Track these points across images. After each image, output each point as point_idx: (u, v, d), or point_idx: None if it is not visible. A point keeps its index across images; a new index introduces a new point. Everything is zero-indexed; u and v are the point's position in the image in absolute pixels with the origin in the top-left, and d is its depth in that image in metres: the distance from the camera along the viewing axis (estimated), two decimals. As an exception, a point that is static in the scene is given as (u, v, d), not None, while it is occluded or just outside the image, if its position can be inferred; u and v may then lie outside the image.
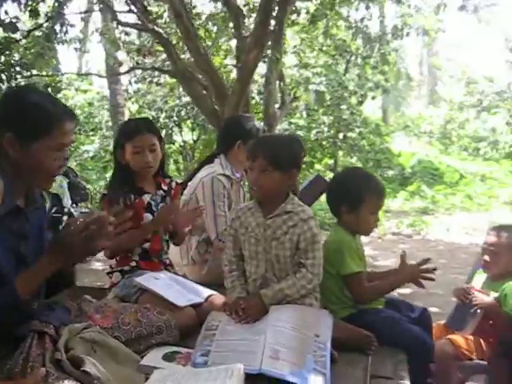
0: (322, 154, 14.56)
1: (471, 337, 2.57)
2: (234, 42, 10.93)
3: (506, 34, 16.15)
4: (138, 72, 11.25)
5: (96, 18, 12.26)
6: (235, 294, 2.08)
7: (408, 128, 15.74)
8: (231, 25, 9.47)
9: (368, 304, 2.19)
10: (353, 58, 12.60)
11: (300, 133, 13.05)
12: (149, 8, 6.98)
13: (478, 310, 2.59)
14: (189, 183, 2.89)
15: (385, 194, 2.23)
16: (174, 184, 2.58)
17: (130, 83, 11.68)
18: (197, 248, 2.85)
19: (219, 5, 9.70)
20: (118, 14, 7.62)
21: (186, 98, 13.31)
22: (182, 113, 13.09)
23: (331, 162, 14.54)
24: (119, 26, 8.47)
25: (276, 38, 6.72)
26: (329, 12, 9.61)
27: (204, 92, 6.57)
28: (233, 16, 6.51)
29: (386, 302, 2.27)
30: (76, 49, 8.13)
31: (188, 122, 13.49)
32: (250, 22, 8.09)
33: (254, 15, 8.45)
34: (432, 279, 2.13)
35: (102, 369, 1.49)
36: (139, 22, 6.82)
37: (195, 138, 13.50)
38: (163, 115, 13.12)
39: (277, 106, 7.48)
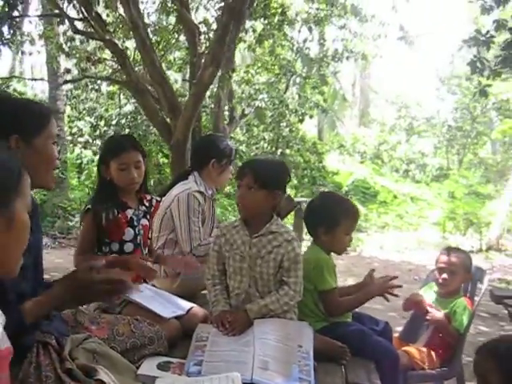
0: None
1: (423, 348, 2.82)
2: (176, 54, 11.05)
3: (436, 64, 17.27)
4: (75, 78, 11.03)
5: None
6: (219, 308, 2.20)
7: (343, 147, 16.36)
8: (179, 38, 9.63)
9: (338, 318, 2.37)
10: (293, 77, 13.01)
11: (240, 148, 13.27)
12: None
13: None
14: (163, 199, 2.97)
15: (359, 217, 2.43)
16: (154, 201, 2.67)
17: (71, 90, 11.48)
18: (170, 262, 2.93)
19: (163, 17, 9.81)
20: (66, 21, 7.52)
21: (128, 107, 13.26)
22: (123, 121, 13.00)
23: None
24: (66, 32, 8.35)
25: (228, 56, 6.89)
26: (276, 32, 9.93)
27: (156, 105, 6.61)
28: (188, 32, 6.61)
29: (353, 316, 2.47)
30: (22, 52, 7.92)
31: (127, 131, 13.38)
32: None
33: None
34: (396, 295, 2.35)
35: (113, 378, 1.56)
36: (91, 31, 6.77)
37: (135, 147, 13.37)
38: (102, 123, 12.98)
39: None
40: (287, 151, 14.61)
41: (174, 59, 10.85)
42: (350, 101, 26.89)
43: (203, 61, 6.09)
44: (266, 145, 14.39)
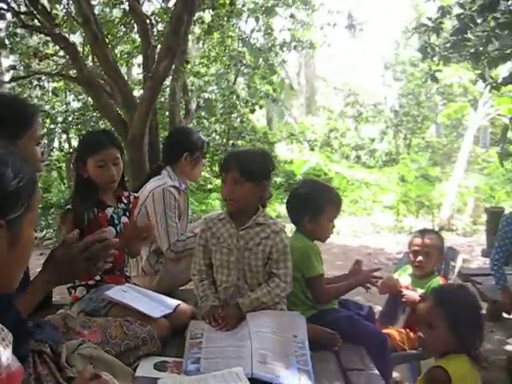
0: (212, 161, 14.77)
1: (402, 329, 2.88)
2: (122, 48, 10.78)
3: (381, 51, 17.63)
4: (22, 75, 10.63)
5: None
6: (209, 303, 2.18)
7: (293, 136, 16.49)
8: (126, 31, 9.40)
9: (326, 305, 2.39)
10: (242, 67, 12.97)
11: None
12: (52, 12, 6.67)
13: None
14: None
15: (341, 203, 2.45)
16: (132, 198, 2.59)
17: (14, 88, 11.02)
18: (147, 259, 2.88)
19: (107, 10, 9.53)
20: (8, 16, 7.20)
21: (75, 104, 12.87)
22: (70, 118, 12.64)
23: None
24: (9, 27, 8.01)
25: (182, 48, 6.78)
26: (225, 23, 9.84)
27: (110, 101, 6.43)
28: (140, 24, 6.45)
29: (339, 303, 2.49)
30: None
31: (74, 128, 13.01)
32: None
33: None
34: (376, 286, 2.47)
35: (117, 383, 1.51)
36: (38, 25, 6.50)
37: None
38: (48, 120, 12.57)
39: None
40: (239, 142, 14.57)
41: (121, 53, 10.58)
42: (296, 89, 27.09)
43: (157, 53, 5.97)
44: (217, 137, 14.30)
